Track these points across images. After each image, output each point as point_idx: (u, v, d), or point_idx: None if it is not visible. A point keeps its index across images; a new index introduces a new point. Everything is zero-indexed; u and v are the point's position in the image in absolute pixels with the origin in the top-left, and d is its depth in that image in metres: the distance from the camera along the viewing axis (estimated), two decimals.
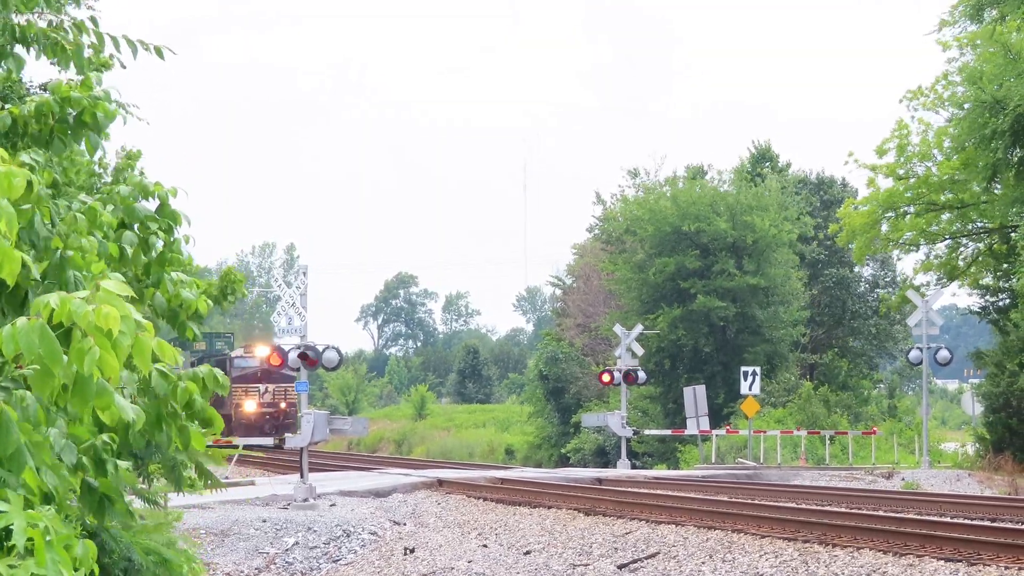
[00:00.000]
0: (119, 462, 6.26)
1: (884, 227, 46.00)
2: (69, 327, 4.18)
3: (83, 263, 5.98)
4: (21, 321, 4.14)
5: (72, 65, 6.18)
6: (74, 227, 6.39)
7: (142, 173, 11.06)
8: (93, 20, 5.72)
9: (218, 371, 6.56)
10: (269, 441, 42.71)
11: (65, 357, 4.23)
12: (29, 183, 5.29)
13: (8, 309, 5.26)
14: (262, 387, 59.44)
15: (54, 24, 5.59)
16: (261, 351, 56.12)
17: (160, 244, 7.00)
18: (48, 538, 4.31)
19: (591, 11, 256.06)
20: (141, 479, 9.31)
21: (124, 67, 6.43)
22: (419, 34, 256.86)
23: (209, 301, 9.21)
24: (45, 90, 5.85)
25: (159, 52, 6.14)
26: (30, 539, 4.30)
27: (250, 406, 58.58)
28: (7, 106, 6.06)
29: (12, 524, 4.19)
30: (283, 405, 59.65)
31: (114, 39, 5.91)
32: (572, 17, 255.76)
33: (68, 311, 4.10)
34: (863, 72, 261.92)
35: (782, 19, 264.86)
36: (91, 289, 4.21)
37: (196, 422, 6.35)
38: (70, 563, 4.36)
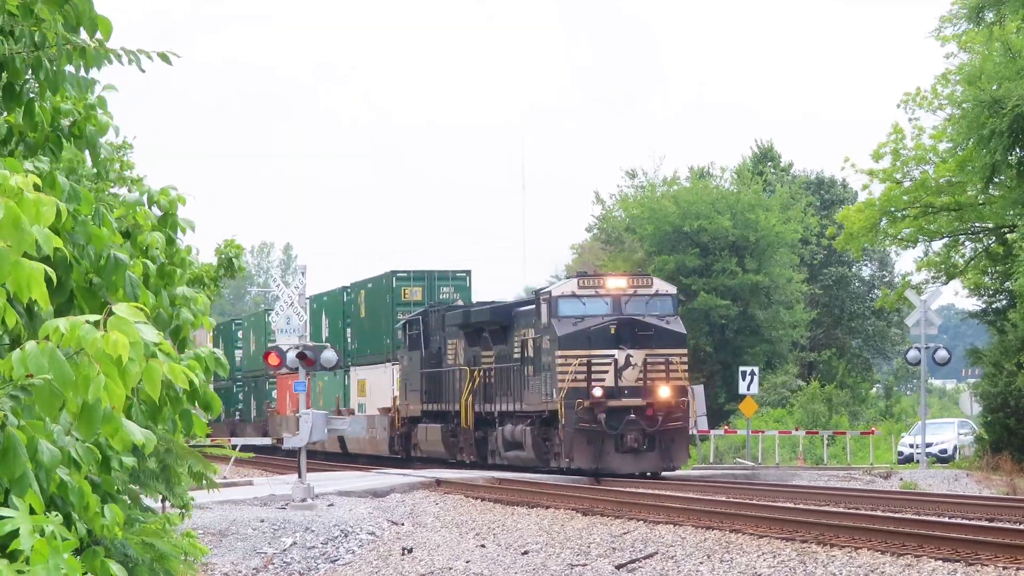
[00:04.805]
0: (123, 459, 6.24)
1: (883, 224, 46.03)
2: (77, 351, 4.18)
3: (143, 267, 5.98)
4: (31, 345, 4.15)
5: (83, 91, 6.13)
6: (133, 213, 6.38)
7: (122, 165, 11.04)
8: (99, 43, 5.70)
9: (219, 352, 6.15)
10: (267, 441, 42.07)
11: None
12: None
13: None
14: (619, 355, 31.50)
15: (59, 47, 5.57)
16: (615, 283, 32.85)
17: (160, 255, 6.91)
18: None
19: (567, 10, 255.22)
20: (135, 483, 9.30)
21: (143, 70, 6.34)
22: (414, 35, 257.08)
23: (213, 285, 9.14)
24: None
25: (164, 58, 6.13)
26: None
27: (597, 391, 31.15)
28: (3, 115, 6.07)
29: (18, 528, 4.19)
30: (666, 393, 31.57)
31: (116, 53, 5.90)
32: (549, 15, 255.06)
33: (77, 336, 4.10)
34: (860, 71, 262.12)
35: (780, 18, 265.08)
36: (103, 314, 4.20)
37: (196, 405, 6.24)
38: (78, 569, 4.35)
